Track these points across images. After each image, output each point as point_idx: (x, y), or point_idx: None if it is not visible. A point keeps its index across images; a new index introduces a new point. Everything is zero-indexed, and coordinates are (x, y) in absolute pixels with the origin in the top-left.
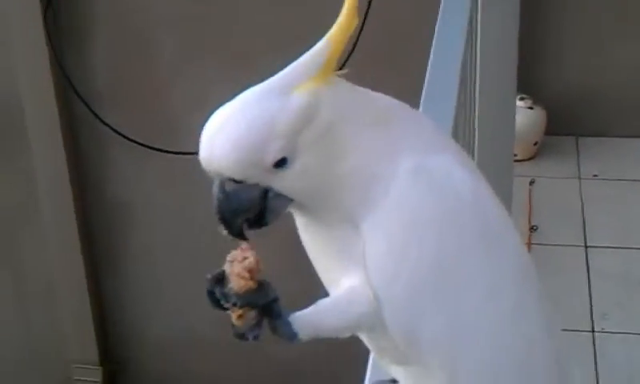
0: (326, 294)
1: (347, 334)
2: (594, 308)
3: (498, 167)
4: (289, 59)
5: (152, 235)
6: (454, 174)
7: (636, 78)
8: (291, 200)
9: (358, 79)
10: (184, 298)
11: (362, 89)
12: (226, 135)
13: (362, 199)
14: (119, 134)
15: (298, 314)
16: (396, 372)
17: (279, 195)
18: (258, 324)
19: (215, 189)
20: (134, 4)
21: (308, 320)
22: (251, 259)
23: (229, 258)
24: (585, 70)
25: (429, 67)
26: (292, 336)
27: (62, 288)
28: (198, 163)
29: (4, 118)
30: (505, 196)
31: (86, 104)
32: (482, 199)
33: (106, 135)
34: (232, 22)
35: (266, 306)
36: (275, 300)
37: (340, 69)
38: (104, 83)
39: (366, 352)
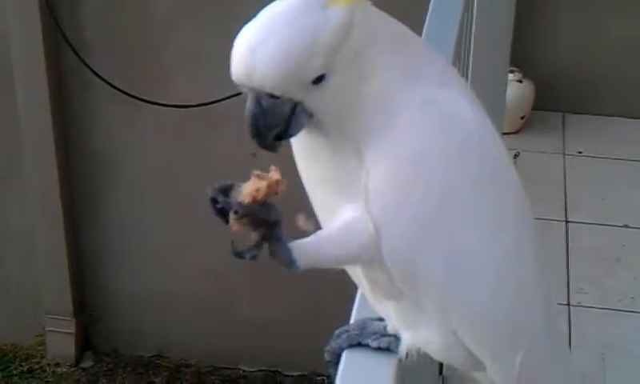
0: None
1: (346, 264)
2: (571, 282)
3: None
4: None
5: (134, 189)
6: (461, 108)
7: (627, 58)
8: (312, 116)
9: None
10: (161, 255)
11: (384, 13)
12: (271, 48)
13: (377, 124)
14: (107, 82)
15: (299, 241)
16: (386, 309)
17: (305, 111)
18: (258, 245)
19: (250, 103)
20: None
21: (308, 248)
22: (271, 180)
23: (255, 172)
24: (576, 47)
25: (424, 31)
26: (291, 262)
27: (40, 238)
28: (185, 117)
29: None
30: None
31: (75, 51)
32: (487, 135)
33: (93, 84)
34: None
35: (268, 228)
36: (276, 223)
37: None
38: (94, 32)
39: (333, 318)
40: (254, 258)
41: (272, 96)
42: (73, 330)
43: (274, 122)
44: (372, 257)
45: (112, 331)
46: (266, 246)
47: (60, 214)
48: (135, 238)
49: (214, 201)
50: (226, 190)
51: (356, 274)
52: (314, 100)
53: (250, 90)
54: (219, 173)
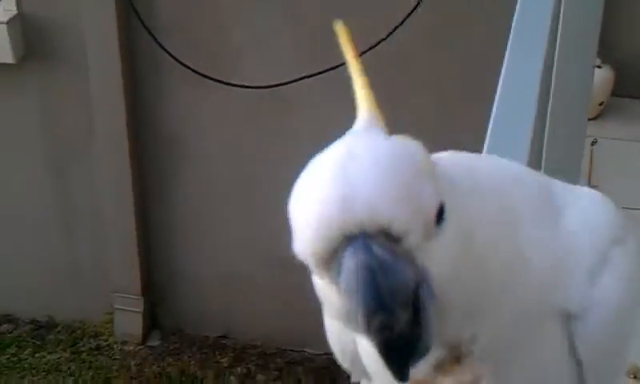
0: None
1: None
2: None
3: (571, 126)
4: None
5: (203, 171)
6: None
7: None
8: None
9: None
10: (228, 236)
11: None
12: (376, 166)
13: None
14: (178, 61)
15: None
16: None
17: (430, 286)
18: None
19: (357, 255)
20: None
21: None
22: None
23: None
24: None
25: (513, 27)
26: None
27: (109, 218)
28: (254, 98)
29: (64, 41)
30: (576, 155)
31: (148, 29)
32: None
33: (165, 64)
34: None
35: None
36: None
37: None
38: (167, 12)
39: None
40: None
41: (387, 238)
42: (140, 308)
43: (400, 286)
44: None
45: (179, 311)
46: None
47: (130, 195)
48: (202, 220)
49: None
50: None
51: None
52: (435, 254)
53: (347, 244)
54: (287, 155)
